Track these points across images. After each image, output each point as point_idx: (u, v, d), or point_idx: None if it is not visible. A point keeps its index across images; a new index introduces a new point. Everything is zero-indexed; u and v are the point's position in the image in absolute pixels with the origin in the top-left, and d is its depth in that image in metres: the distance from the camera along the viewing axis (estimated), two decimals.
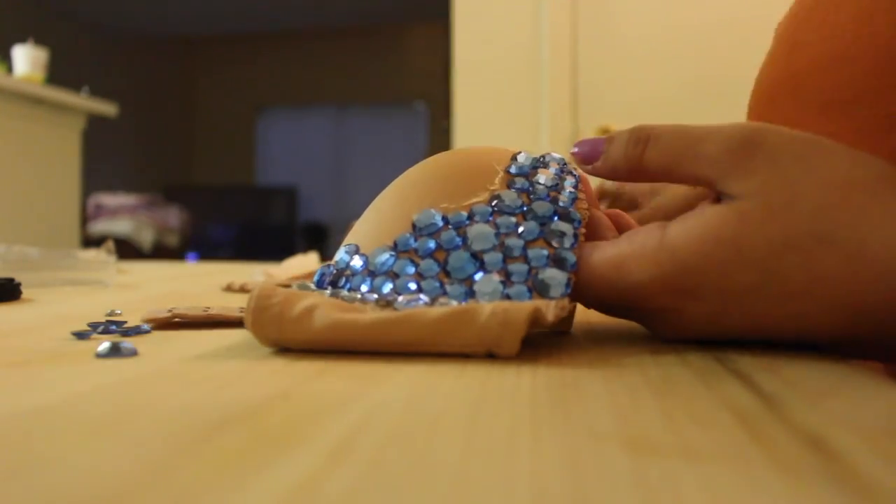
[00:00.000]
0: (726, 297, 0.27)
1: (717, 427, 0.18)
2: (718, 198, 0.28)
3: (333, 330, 0.26)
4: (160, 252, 4.36)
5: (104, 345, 0.27)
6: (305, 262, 0.78)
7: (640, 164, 0.29)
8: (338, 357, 0.26)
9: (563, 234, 0.29)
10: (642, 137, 0.29)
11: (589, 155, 0.31)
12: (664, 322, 0.29)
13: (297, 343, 0.27)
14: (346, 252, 0.31)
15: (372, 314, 0.26)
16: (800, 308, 0.26)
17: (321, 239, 6.03)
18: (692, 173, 0.28)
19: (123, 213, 4.33)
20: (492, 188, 0.31)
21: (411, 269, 0.29)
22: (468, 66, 2.25)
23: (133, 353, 0.27)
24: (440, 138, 5.08)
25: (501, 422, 0.18)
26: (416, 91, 6.13)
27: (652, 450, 0.16)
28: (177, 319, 0.35)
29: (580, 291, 0.29)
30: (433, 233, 0.30)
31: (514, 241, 0.29)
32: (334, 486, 0.13)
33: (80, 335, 0.32)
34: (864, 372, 0.24)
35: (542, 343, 0.30)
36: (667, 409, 0.19)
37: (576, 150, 0.31)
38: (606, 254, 0.28)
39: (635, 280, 0.27)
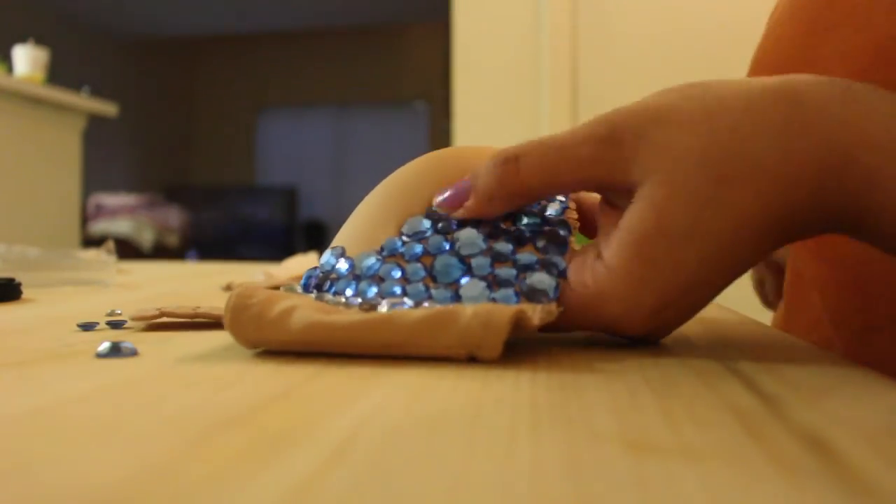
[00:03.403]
0: (688, 285, 0.27)
1: (717, 427, 0.18)
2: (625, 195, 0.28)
3: (312, 331, 0.26)
4: (160, 252, 4.36)
5: (104, 345, 0.27)
6: (305, 262, 0.78)
7: (517, 183, 0.28)
8: (337, 357, 0.26)
9: (553, 241, 0.29)
10: (510, 157, 0.28)
11: (457, 197, 0.29)
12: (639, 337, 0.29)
13: (275, 344, 0.26)
14: (333, 255, 0.31)
15: (353, 315, 0.26)
16: (737, 249, 0.27)
17: (321, 239, 6.03)
18: (575, 178, 0.28)
19: (123, 213, 4.33)
20: None
21: (397, 274, 0.29)
22: (468, 66, 2.25)
23: (133, 353, 0.27)
24: (440, 138, 5.08)
25: (501, 422, 0.18)
26: (416, 91, 6.13)
27: (652, 450, 0.16)
28: (164, 318, 0.35)
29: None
30: (420, 238, 0.29)
31: (502, 246, 0.29)
32: (334, 486, 0.13)
33: (86, 327, 0.34)
34: (864, 372, 0.24)
35: (542, 344, 0.30)
36: (667, 409, 0.19)
37: (439, 201, 0.30)
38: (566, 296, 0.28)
39: (608, 319, 0.27)
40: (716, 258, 0.27)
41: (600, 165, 0.27)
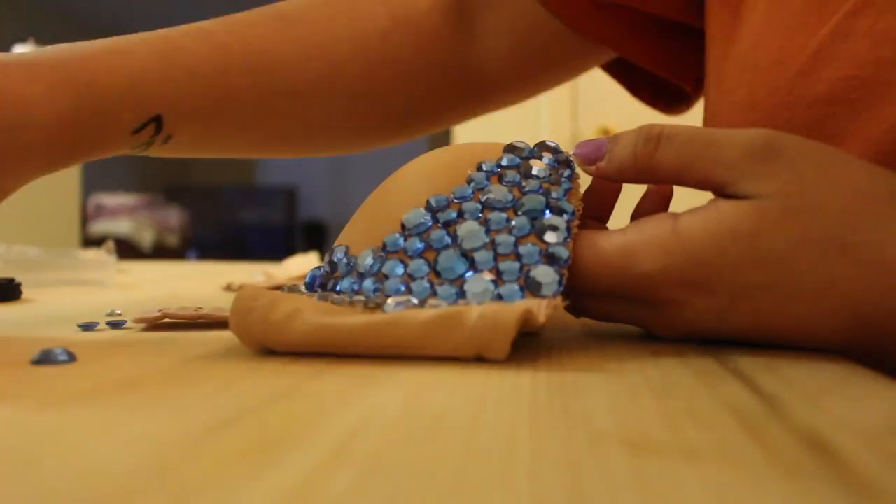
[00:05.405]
0: (736, 293, 0.27)
1: (717, 427, 0.18)
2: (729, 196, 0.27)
3: (318, 333, 0.26)
4: (160, 252, 4.36)
5: (39, 353, 0.25)
6: (305, 262, 0.78)
7: (650, 164, 0.29)
8: (337, 358, 0.26)
9: (555, 229, 0.28)
10: (653, 135, 0.28)
11: (592, 155, 0.30)
12: (668, 317, 0.28)
13: (280, 346, 0.26)
14: (336, 253, 0.31)
15: (359, 317, 0.26)
16: (808, 310, 0.26)
17: (321, 239, 6.02)
18: (705, 176, 0.28)
19: (123, 213, 4.33)
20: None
21: (400, 271, 0.29)
22: None
23: (71, 359, 0.25)
24: (440, 138, 5.07)
25: (501, 422, 0.18)
26: None
27: (652, 450, 0.16)
28: (167, 320, 0.35)
29: (581, 282, 0.28)
30: (422, 232, 0.29)
31: (504, 238, 0.28)
32: (334, 486, 0.13)
33: (86, 327, 0.34)
34: (864, 372, 0.24)
35: (542, 344, 0.30)
36: (667, 410, 0.19)
37: (577, 151, 0.31)
38: (615, 241, 0.28)
39: (645, 269, 0.27)
40: (779, 303, 0.26)
41: (734, 171, 0.27)
